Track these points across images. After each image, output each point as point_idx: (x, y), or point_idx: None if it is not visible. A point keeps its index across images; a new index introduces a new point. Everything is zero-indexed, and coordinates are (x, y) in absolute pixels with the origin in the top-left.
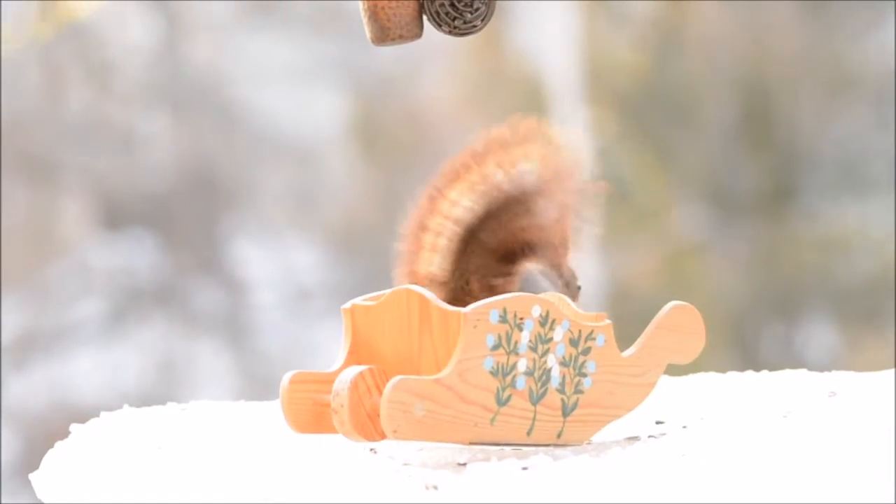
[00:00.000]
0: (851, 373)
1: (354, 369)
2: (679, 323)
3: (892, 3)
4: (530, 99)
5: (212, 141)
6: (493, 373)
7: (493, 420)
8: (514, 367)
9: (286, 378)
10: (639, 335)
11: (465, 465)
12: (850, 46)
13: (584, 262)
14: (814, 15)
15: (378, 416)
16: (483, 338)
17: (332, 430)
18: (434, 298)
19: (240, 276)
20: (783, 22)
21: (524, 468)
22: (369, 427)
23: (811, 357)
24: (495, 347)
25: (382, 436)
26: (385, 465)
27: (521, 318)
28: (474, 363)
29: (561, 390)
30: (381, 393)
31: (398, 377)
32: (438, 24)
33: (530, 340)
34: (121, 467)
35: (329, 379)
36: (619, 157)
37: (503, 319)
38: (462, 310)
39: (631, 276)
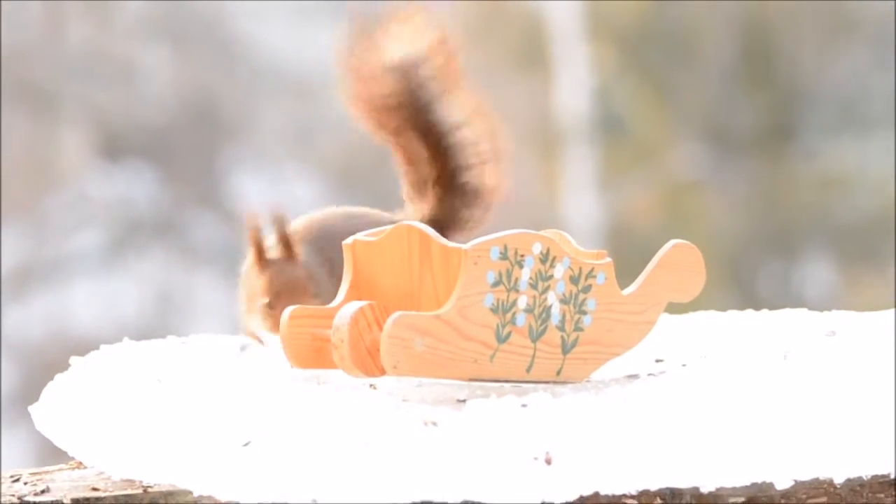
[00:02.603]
0: (851, 312)
1: (354, 305)
2: (680, 261)
3: None
4: (531, 35)
5: (212, 74)
6: (494, 309)
7: (492, 357)
8: (514, 303)
9: (286, 313)
10: (637, 271)
11: (464, 401)
12: None
13: (582, 197)
14: None
15: (378, 351)
16: (483, 274)
17: (331, 364)
18: (435, 235)
19: (238, 208)
20: None
21: (523, 405)
22: (369, 362)
23: (809, 295)
24: (496, 284)
25: (382, 371)
26: (384, 401)
27: (522, 255)
28: (475, 300)
29: (561, 328)
30: (381, 328)
31: (398, 313)
32: None
33: (531, 277)
34: (120, 400)
35: (329, 314)
36: (619, 95)
37: (504, 256)
38: (463, 246)
39: (629, 213)
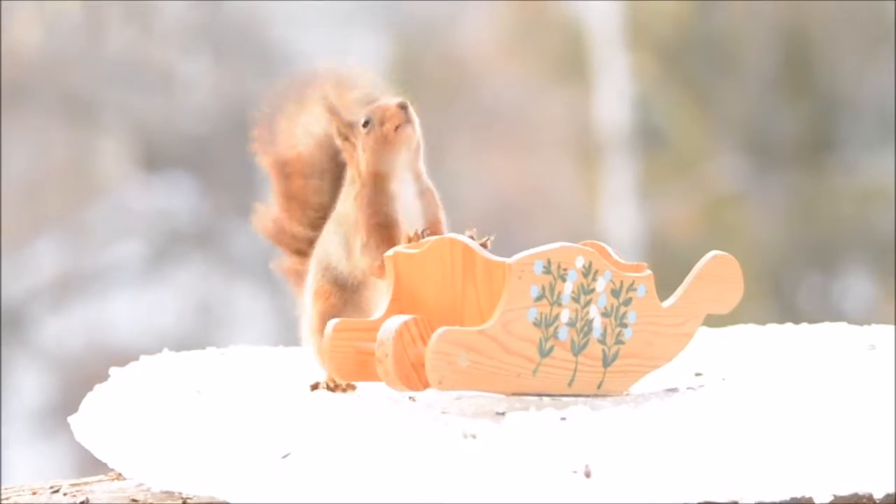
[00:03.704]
0: (890, 326)
1: (399, 319)
2: (718, 273)
3: None
4: (571, 44)
5: (251, 83)
6: (537, 324)
7: (535, 371)
8: (556, 317)
9: (330, 326)
10: (676, 283)
11: (503, 414)
12: None
13: (622, 208)
14: None
15: (422, 365)
16: (527, 288)
17: (374, 378)
18: (479, 248)
19: None
20: None
21: (563, 418)
22: (413, 377)
23: (848, 308)
24: (539, 298)
25: (426, 385)
26: (424, 414)
27: (565, 269)
28: (518, 314)
29: (602, 341)
30: (425, 343)
31: (443, 328)
32: None
33: (573, 291)
34: (160, 412)
35: (372, 327)
36: (659, 105)
37: (547, 270)
38: (507, 260)
39: (669, 225)
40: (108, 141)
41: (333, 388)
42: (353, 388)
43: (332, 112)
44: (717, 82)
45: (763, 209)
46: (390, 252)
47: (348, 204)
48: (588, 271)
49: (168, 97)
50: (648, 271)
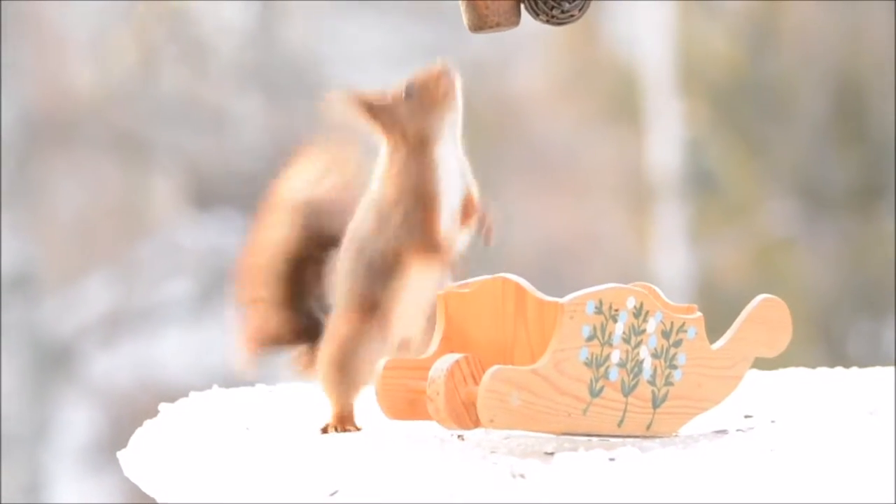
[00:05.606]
0: None
1: (451, 357)
2: (767, 316)
3: None
4: (623, 90)
5: (303, 122)
6: (588, 363)
7: (585, 411)
8: (607, 358)
9: (380, 364)
10: (726, 327)
11: (552, 454)
12: None
13: (673, 252)
14: None
15: (473, 404)
16: (579, 328)
17: (425, 416)
18: (530, 288)
19: None
20: (877, 17)
21: (611, 459)
22: (464, 415)
23: None
24: (590, 338)
25: (477, 424)
26: (473, 453)
27: (616, 310)
28: (570, 354)
29: (652, 382)
30: (476, 382)
31: (496, 367)
32: (536, 13)
33: (624, 332)
34: (209, 447)
35: (422, 366)
36: (711, 150)
37: (599, 310)
38: (559, 300)
39: (720, 269)
40: (159, 179)
41: (340, 430)
42: (359, 429)
43: (354, 97)
44: (770, 128)
45: (814, 254)
46: (441, 291)
47: (388, 182)
48: (639, 312)
49: (220, 136)
50: (699, 313)
